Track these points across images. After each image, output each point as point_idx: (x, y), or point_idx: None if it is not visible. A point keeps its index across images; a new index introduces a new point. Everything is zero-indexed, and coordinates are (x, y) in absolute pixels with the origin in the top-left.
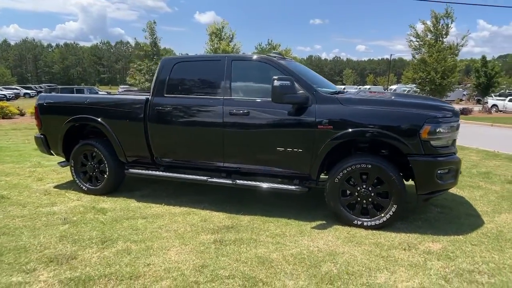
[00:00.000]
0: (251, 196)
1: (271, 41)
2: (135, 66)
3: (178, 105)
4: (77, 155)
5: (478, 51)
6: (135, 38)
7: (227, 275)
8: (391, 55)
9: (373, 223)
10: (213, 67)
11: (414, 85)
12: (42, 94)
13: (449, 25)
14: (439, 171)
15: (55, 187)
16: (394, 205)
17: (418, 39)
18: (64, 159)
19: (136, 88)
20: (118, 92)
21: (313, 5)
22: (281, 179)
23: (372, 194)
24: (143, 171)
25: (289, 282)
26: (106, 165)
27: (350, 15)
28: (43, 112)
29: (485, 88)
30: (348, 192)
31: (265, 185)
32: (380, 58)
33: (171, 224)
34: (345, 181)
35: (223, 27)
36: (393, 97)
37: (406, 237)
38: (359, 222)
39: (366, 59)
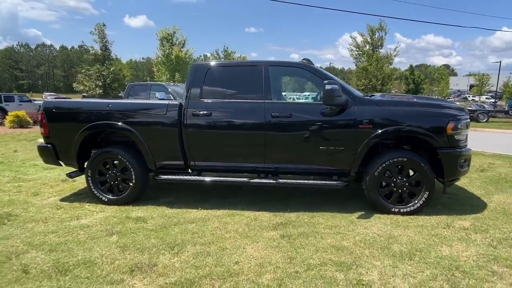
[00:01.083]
0: (279, 195)
1: (227, 48)
2: (83, 71)
3: (217, 109)
4: (95, 164)
5: (396, 61)
6: (82, 41)
7: (318, 263)
8: (330, 63)
9: (408, 209)
10: (250, 72)
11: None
12: (49, 99)
13: (383, 37)
14: (460, 161)
15: (62, 200)
16: (426, 192)
17: (358, 49)
18: (73, 169)
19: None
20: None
21: (249, 13)
22: (318, 176)
23: (407, 184)
24: (177, 177)
25: (376, 262)
26: (133, 173)
27: (283, 25)
28: (51, 119)
29: (413, 93)
30: (384, 183)
31: (309, 182)
32: (320, 65)
33: (225, 225)
34: (383, 174)
35: (174, 33)
36: (415, 99)
37: (438, 218)
38: (396, 210)
39: None
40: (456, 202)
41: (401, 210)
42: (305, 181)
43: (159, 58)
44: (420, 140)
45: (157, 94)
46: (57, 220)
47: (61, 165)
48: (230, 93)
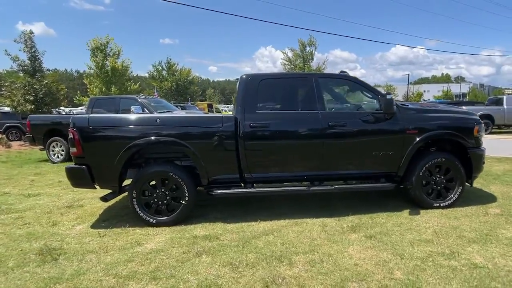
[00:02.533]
0: (320, 202)
1: (170, 59)
2: (7, 84)
3: (274, 120)
4: (141, 184)
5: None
6: (5, 51)
7: (425, 255)
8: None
9: (446, 203)
10: (301, 84)
11: None
12: (81, 115)
13: (313, 52)
14: (483, 158)
15: (93, 227)
16: (459, 187)
17: (290, 63)
18: (109, 192)
19: None
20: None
21: (162, 24)
22: (366, 180)
23: (444, 180)
24: (234, 190)
25: (468, 248)
26: (186, 190)
27: (200, 37)
28: (86, 137)
29: None
30: (425, 182)
31: (364, 186)
32: (237, 78)
33: (302, 233)
34: (425, 173)
35: (107, 42)
36: (440, 106)
37: (472, 209)
38: (437, 204)
39: (222, 79)
40: (469, 195)
41: (441, 205)
42: (361, 185)
43: (92, 70)
44: (453, 142)
45: (133, 108)
46: (118, 248)
47: (95, 188)
48: (284, 104)
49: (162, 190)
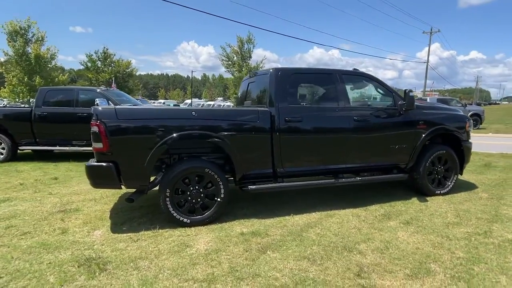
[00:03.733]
0: (329, 194)
1: (107, 49)
2: None
3: (307, 115)
4: (175, 182)
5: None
6: None
7: (469, 236)
8: (192, 71)
9: (445, 190)
10: (327, 79)
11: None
12: (105, 107)
13: (251, 50)
14: (471, 151)
15: (116, 231)
16: (454, 176)
17: (228, 60)
18: (134, 192)
19: None
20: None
21: (71, 11)
22: (381, 171)
23: (444, 170)
24: (269, 185)
25: (494, 226)
26: (222, 187)
27: (114, 27)
28: (115, 131)
29: None
30: (428, 172)
31: (383, 177)
32: (160, 73)
33: (344, 224)
34: (430, 164)
35: (29, 26)
36: (436, 104)
37: (466, 194)
38: (438, 192)
39: (143, 73)
40: (465, 183)
41: (441, 192)
42: (380, 176)
43: (9, 57)
44: (451, 135)
45: (98, 101)
46: (168, 251)
47: (120, 188)
48: (313, 99)
49: (197, 187)
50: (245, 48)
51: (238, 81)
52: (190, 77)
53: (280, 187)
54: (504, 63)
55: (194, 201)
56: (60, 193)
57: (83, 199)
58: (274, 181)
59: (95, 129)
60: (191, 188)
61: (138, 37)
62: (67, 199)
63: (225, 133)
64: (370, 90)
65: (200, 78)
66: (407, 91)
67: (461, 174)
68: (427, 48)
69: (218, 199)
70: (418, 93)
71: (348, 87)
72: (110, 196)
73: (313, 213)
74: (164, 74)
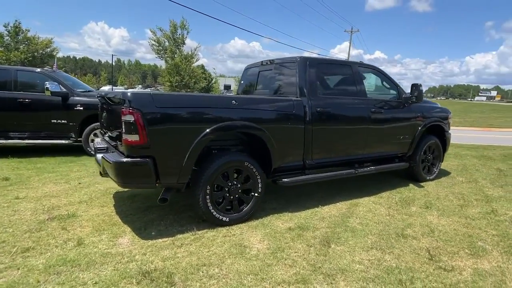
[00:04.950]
0: (334, 184)
1: (19, 23)
2: None
3: (334, 105)
4: (214, 178)
5: (150, 57)
6: None
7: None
8: (112, 55)
9: (432, 176)
10: (346, 70)
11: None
12: (138, 92)
13: (185, 36)
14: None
15: (146, 237)
16: (440, 163)
17: (159, 45)
18: (166, 190)
19: None
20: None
21: None
22: (387, 161)
23: (432, 158)
24: (301, 177)
25: (506, 204)
26: (259, 181)
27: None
28: (153, 121)
29: (207, 91)
30: (421, 160)
31: (390, 166)
32: (64, 55)
33: (373, 213)
34: (423, 153)
35: None
36: (425, 98)
37: (446, 179)
38: (428, 177)
39: None
40: (455, 168)
41: (430, 178)
42: (387, 165)
43: None
44: (439, 127)
45: (48, 85)
46: (229, 255)
47: (154, 188)
48: (335, 90)
49: (235, 182)
50: (178, 34)
51: (173, 68)
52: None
53: (311, 179)
54: (401, 63)
55: (232, 197)
56: (30, 197)
57: (69, 202)
58: (302, 173)
59: (129, 118)
60: (229, 184)
61: (34, 12)
62: (46, 203)
63: (265, 124)
64: (377, 82)
65: (113, 63)
66: (416, 84)
67: (442, 161)
68: (340, 46)
69: (256, 194)
70: None
71: (364, 79)
72: (100, 197)
73: (338, 204)
74: (71, 57)
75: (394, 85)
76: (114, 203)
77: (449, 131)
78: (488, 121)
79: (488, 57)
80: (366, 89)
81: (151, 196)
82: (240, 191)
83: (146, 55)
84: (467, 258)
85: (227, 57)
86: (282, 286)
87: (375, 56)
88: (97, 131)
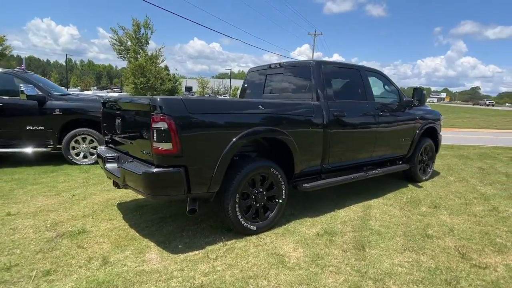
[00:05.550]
0: (341, 187)
1: None
2: None
3: (348, 109)
4: (242, 185)
5: (103, 57)
6: None
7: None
8: (66, 55)
9: (427, 176)
10: (356, 74)
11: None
12: (170, 98)
13: (149, 35)
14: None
15: (173, 251)
16: (433, 163)
17: (120, 44)
18: (193, 201)
19: None
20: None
21: None
22: (389, 162)
23: (427, 159)
24: (321, 182)
25: (494, 201)
26: (283, 187)
27: None
28: (186, 128)
29: (171, 93)
30: (419, 160)
31: (394, 167)
32: (9, 54)
33: (389, 214)
34: (420, 154)
35: None
36: None
37: (439, 179)
38: (424, 178)
39: None
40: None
41: (425, 178)
42: (392, 167)
43: None
44: (434, 129)
45: (24, 88)
46: (270, 266)
47: (182, 198)
48: (348, 93)
49: (260, 189)
50: (141, 33)
51: (137, 69)
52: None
53: (330, 183)
54: None
55: (258, 205)
56: (24, 213)
57: (71, 216)
58: (319, 177)
59: (161, 125)
60: (255, 191)
61: None
62: (46, 219)
63: (288, 128)
64: (381, 86)
65: (63, 63)
66: (418, 88)
67: (434, 162)
68: (300, 48)
69: (280, 201)
70: None
71: (371, 83)
72: (104, 210)
73: (351, 207)
74: (15, 56)
75: (395, 88)
76: (122, 215)
77: (440, 133)
78: (448, 121)
79: (437, 61)
80: (374, 94)
81: (159, 208)
82: (265, 198)
83: (99, 55)
84: (494, 255)
85: (186, 57)
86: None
87: (334, 59)
88: (79, 138)
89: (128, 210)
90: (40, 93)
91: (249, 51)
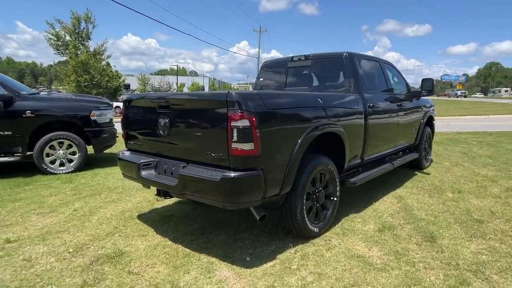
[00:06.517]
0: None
1: None
2: None
3: (379, 101)
4: (307, 185)
5: (23, 54)
6: None
7: None
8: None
9: (428, 163)
10: (377, 66)
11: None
12: (246, 92)
13: (90, 30)
14: None
15: (244, 266)
16: (431, 150)
17: (57, 39)
18: (259, 206)
19: None
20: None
21: None
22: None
23: (427, 146)
24: (365, 174)
25: (501, 183)
26: (338, 183)
27: None
28: (265, 125)
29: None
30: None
31: (407, 157)
32: None
33: (428, 204)
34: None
35: None
36: None
37: (438, 163)
38: (426, 164)
39: None
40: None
41: (427, 165)
42: (407, 156)
43: None
44: (431, 117)
45: None
46: (353, 270)
47: (259, 204)
48: (374, 85)
49: (320, 188)
50: (82, 27)
51: (80, 66)
52: None
53: (370, 176)
54: None
55: (317, 205)
56: (27, 237)
57: (93, 236)
58: (357, 171)
59: (242, 123)
60: (316, 191)
61: None
62: (61, 242)
63: (342, 121)
64: (394, 77)
65: None
66: (428, 79)
67: (431, 149)
68: (238, 45)
69: (335, 198)
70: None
71: (390, 75)
72: (128, 225)
73: (384, 199)
74: None
75: (403, 79)
76: (152, 229)
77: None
78: None
79: None
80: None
81: (190, 216)
82: (324, 197)
83: (19, 52)
84: None
85: (120, 54)
86: None
87: (272, 55)
88: (55, 143)
89: (155, 222)
90: (6, 92)
91: (187, 47)
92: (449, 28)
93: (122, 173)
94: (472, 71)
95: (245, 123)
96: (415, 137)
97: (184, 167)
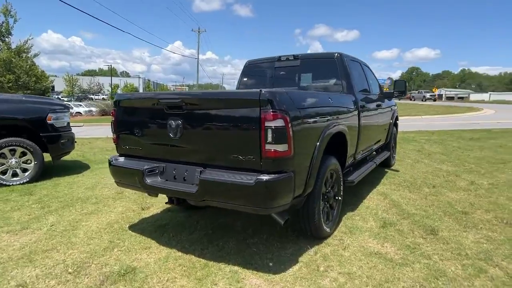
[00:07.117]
0: None
1: None
2: None
3: (367, 101)
4: (322, 185)
5: None
6: None
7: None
8: None
9: (394, 161)
10: (359, 68)
11: None
12: (277, 91)
13: (11, 25)
14: None
15: (268, 271)
16: (395, 148)
17: None
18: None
19: None
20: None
21: None
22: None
23: (394, 145)
24: (357, 173)
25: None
26: (342, 183)
27: None
28: (295, 126)
29: (43, 92)
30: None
31: (383, 154)
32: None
33: (436, 196)
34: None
35: None
36: None
37: (413, 160)
38: (393, 162)
39: None
40: None
41: (393, 162)
42: (382, 154)
43: None
44: (396, 117)
45: None
46: (379, 268)
47: (286, 208)
48: (361, 86)
49: (330, 188)
50: (0, 21)
51: (2, 64)
52: None
53: (363, 174)
54: (231, 63)
55: (328, 205)
56: (6, 259)
57: (88, 253)
58: (349, 171)
59: (277, 123)
60: (327, 191)
61: None
62: (54, 262)
63: (345, 120)
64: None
65: None
66: (400, 80)
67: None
68: (172, 45)
69: (339, 198)
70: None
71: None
72: (124, 238)
73: (369, 196)
74: None
75: (376, 80)
76: (153, 240)
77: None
78: None
79: None
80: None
81: (186, 224)
82: (333, 196)
83: None
84: None
85: (41, 52)
86: (470, 281)
87: (207, 57)
88: (5, 151)
89: (153, 233)
90: None
91: (117, 46)
92: (375, 34)
93: (116, 182)
94: (396, 75)
95: (279, 123)
96: (386, 136)
97: (201, 172)
